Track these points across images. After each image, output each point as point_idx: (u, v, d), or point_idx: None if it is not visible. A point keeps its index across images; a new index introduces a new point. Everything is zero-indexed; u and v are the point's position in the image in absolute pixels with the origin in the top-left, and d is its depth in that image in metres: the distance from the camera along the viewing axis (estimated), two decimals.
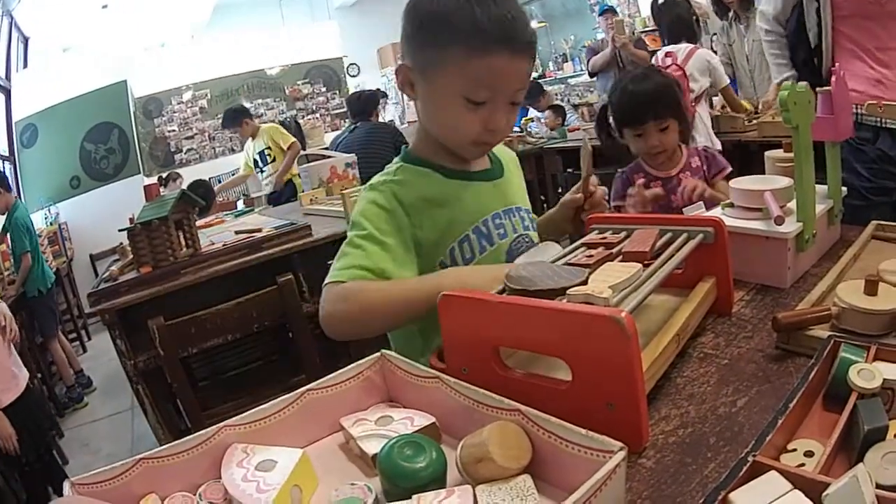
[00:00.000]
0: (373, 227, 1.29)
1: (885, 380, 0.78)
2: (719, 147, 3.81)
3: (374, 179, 1.41)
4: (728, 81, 4.11)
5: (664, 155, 2.27)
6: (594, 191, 1.50)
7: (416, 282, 1.24)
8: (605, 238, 1.16)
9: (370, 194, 1.36)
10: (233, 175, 8.19)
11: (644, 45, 6.89)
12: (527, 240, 1.45)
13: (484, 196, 1.42)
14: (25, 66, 8.10)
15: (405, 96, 1.40)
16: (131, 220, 3.03)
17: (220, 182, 9.53)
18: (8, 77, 7.36)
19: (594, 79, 7.27)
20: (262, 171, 6.58)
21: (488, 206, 1.41)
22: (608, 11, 7.25)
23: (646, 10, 8.81)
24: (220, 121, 6.90)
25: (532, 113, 7.49)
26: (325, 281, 1.25)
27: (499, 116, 1.26)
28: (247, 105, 10.44)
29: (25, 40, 8.15)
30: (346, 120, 7.55)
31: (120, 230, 3.02)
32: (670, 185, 2.23)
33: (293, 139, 6.48)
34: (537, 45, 1.32)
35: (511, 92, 1.26)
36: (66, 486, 0.76)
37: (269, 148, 6.45)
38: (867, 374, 0.79)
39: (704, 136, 3.81)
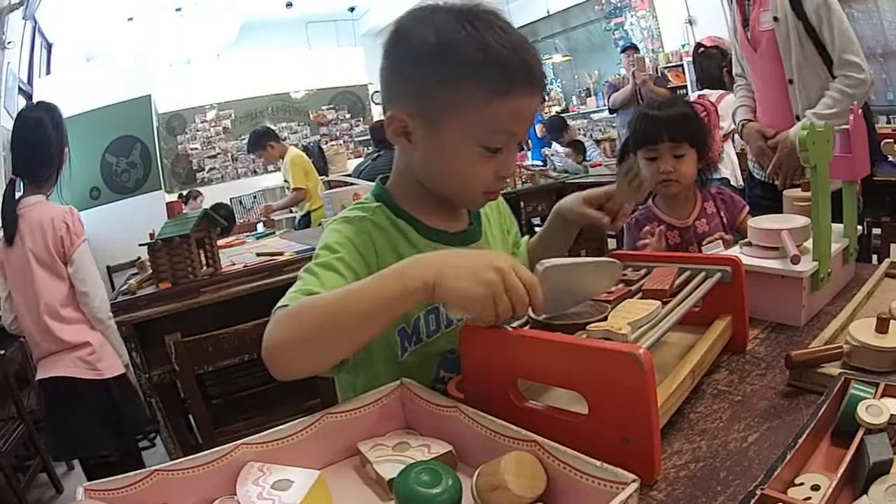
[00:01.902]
0: (335, 259, 1.12)
1: (892, 415, 0.79)
2: (741, 183, 3.82)
3: (348, 212, 1.25)
4: None
5: (677, 186, 2.07)
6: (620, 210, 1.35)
7: (381, 275, 0.95)
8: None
9: (343, 226, 1.20)
10: (255, 198, 8.21)
11: (664, 83, 6.93)
12: None
13: None
14: (48, 72, 8.09)
15: None
16: (152, 235, 3.05)
17: (241, 203, 9.60)
18: (30, 81, 7.33)
19: (614, 115, 7.29)
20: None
21: None
22: (630, 48, 7.31)
23: (669, 46, 8.87)
24: (245, 142, 6.61)
25: (555, 147, 7.51)
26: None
27: (510, 162, 1.14)
28: (270, 128, 10.55)
29: (49, 46, 8.14)
30: (370, 147, 7.49)
31: (140, 245, 3.05)
32: (688, 235, 2.11)
33: (302, 186, 6.07)
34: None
35: (524, 133, 1.16)
36: (80, 490, 0.77)
37: (286, 181, 6.30)
38: (875, 409, 0.80)
39: (730, 169, 3.83)
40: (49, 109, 2.88)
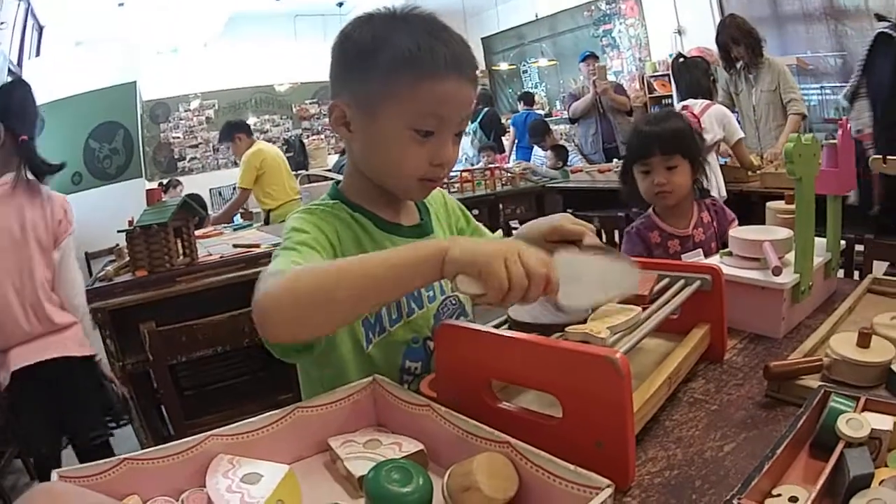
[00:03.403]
0: (310, 238, 1.14)
1: (873, 429, 0.78)
2: (725, 195, 3.82)
3: (309, 205, 1.28)
4: (742, 135, 4.11)
5: (672, 197, 2.11)
6: None
7: (400, 248, 0.96)
8: None
9: (306, 216, 1.23)
10: (234, 189, 8.15)
11: (624, 91, 6.96)
12: (453, 302, 1.35)
13: None
14: (38, 54, 8.04)
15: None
16: (130, 222, 3.02)
17: (220, 194, 9.57)
18: (20, 63, 7.25)
19: (575, 125, 7.29)
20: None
21: None
22: (590, 57, 7.30)
23: (656, 55, 8.90)
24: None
25: (537, 151, 7.52)
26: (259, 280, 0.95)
27: (447, 149, 1.18)
28: (253, 120, 10.49)
29: (40, 29, 8.09)
30: None
31: (119, 231, 3.02)
32: (687, 244, 2.14)
33: (244, 185, 5.78)
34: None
35: (458, 121, 1.18)
36: (54, 475, 0.77)
37: None
38: (855, 423, 0.79)
39: (714, 185, 3.83)
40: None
